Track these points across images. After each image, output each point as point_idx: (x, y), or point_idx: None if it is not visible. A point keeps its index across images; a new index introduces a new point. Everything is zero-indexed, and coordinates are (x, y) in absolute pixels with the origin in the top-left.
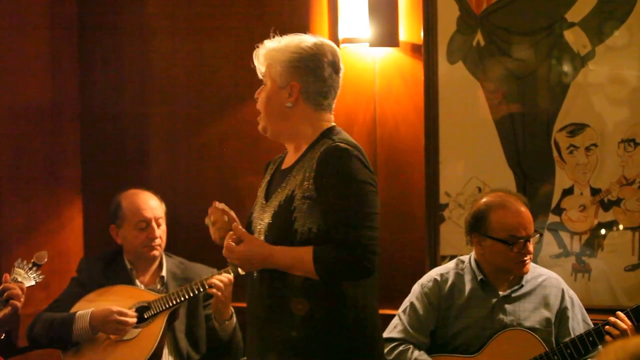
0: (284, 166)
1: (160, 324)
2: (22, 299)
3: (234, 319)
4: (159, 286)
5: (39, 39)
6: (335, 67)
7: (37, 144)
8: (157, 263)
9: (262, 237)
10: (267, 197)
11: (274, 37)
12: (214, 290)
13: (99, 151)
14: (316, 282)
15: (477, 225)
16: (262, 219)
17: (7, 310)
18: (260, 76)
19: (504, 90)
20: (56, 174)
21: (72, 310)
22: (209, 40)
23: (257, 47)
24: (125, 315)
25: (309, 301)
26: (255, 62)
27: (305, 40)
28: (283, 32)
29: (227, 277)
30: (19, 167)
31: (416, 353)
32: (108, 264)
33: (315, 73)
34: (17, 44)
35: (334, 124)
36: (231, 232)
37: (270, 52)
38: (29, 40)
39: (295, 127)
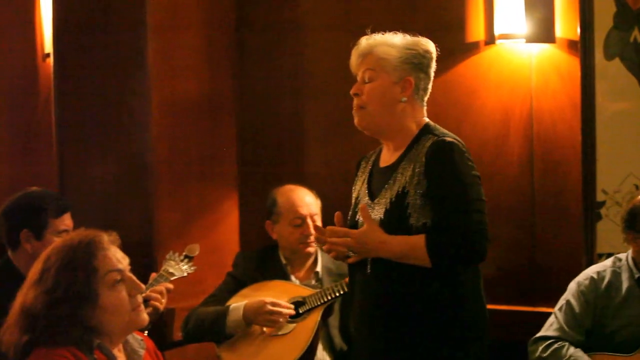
0: (382, 164)
1: (315, 319)
2: (163, 300)
3: None
4: (313, 282)
5: (197, 36)
6: (433, 65)
7: (194, 139)
8: (312, 259)
9: None
10: (372, 195)
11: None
12: None
13: (255, 147)
14: (431, 276)
15: (632, 222)
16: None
17: (147, 310)
18: (357, 71)
19: None
20: (213, 169)
21: (231, 303)
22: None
23: (356, 44)
24: (279, 306)
25: (425, 296)
26: (357, 57)
27: (413, 38)
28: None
29: None
30: (175, 162)
31: (572, 350)
32: (263, 260)
33: (425, 70)
34: (175, 41)
35: (427, 119)
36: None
37: (383, 47)
38: (187, 37)
39: (402, 123)
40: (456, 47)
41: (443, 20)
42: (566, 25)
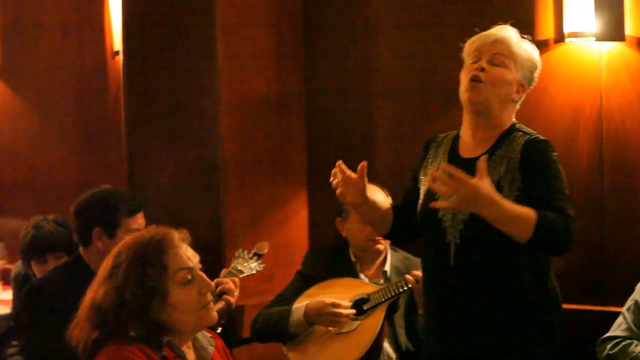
0: (465, 154)
1: (379, 316)
2: (235, 293)
3: None
4: (382, 280)
5: (266, 35)
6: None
7: (263, 137)
8: (381, 257)
9: (461, 227)
10: None
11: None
12: (411, 279)
13: (325, 145)
14: (519, 270)
15: None
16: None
17: (220, 305)
18: (484, 50)
19: None
20: (282, 167)
21: (295, 304)
22: (433, 34)
23: (494, 28)
24: (339, 306)
25: (513, 292)
26: (493, 38)
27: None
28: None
29: None
30: (245, 160)
31: None
32: (333, 257)
33: (531, 84)
34: (244, 40)
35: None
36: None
37: (522, 45)
38: (256, 35)
39: (502, 119)
40: None
41: (512, 18)
42: (636, 23)
